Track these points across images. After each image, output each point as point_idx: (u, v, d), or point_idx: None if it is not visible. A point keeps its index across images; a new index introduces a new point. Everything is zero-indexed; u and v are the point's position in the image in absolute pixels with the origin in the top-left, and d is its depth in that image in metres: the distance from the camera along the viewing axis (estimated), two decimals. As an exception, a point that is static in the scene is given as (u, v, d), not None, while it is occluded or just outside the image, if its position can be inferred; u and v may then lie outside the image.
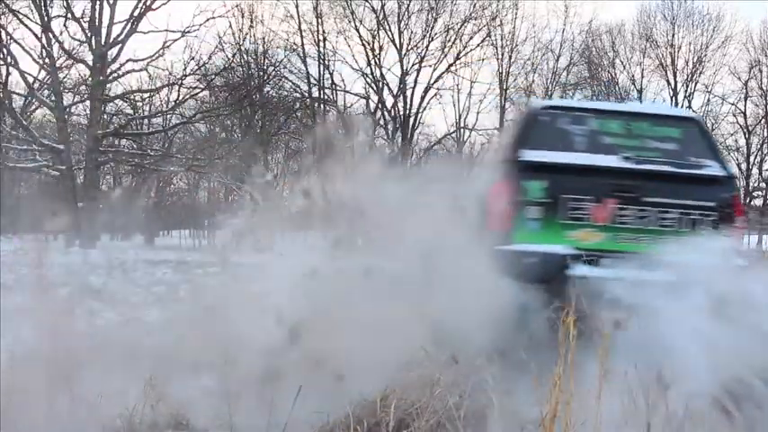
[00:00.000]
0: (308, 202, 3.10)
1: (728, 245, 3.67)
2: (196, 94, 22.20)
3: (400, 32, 24.99)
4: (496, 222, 3.76)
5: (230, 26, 23.57)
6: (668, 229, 3.80)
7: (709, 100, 26.65)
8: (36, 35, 19.21)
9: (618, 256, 3.69)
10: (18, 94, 21.56)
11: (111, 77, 20.27)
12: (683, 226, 3.81)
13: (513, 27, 26.06)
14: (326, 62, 24.47)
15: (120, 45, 19.88)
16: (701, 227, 3.81)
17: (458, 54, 25.22)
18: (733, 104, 26.37)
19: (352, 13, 24.59)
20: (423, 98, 25.31)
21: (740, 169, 25.34)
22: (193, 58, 21.05)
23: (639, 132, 4.06)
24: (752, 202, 25.99)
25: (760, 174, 26.54)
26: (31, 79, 20.23)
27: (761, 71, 25.62)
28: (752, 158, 26.08)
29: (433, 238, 3.09)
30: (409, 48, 25.06)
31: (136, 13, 19.65)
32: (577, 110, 4.21)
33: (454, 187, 3.58)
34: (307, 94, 24.62)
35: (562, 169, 3.83)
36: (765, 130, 26.37)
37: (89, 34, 19.51)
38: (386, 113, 25.08)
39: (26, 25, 19.12)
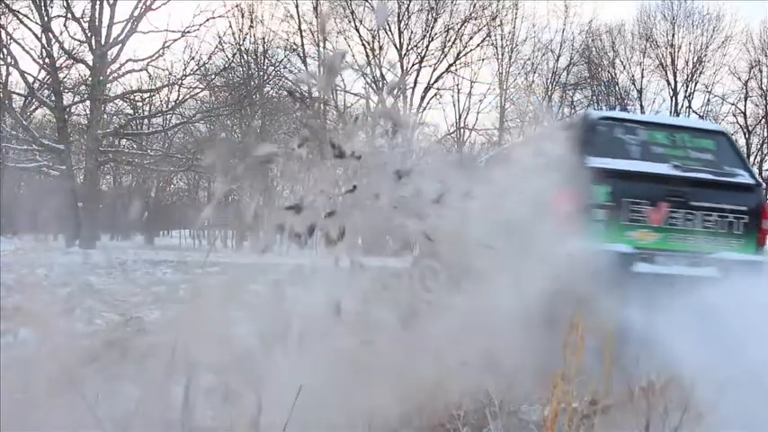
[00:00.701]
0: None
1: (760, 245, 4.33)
2: (196, 94, 22.24)
3: (400, 32, 25.02)
4: (564, 224, 3.93)
5: (230, 26, 23.65)
6: (709, 230, 4.30)
7: (709, 100, 26.69)
8: (36, 35, 19.24)
9: (669, 254, 4.17)
10: (18, 94, 21.56)
11: (111, 77, 20.29)
12: (721, 227, 4.32)
13: (513, 27, 26.14)
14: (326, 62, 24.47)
15: (120, 45, 19.92)
16: (735, 228, 4.34)
17: (458, 54, 25.28)
18: (733, 104, 26.41)
19: (352, 12, 24.63)
20: (423, 98, 25.35)
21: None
22: (193, 58, 21.11)
23: (682, 143, 4.52)
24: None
25: (760, 173, 26.52)
26: (31, 79, 20.24)
27: (761, 71, 25.66)
28: (752, 158, 26.08)
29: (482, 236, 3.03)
30: (409, 48, 25.10)
31: (136, 13, 19.69)
32: (628, 121, 4.62)
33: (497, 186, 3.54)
34: (307, 94, 24.62)
35: (623, 175, 4.21)
36: (765, 130, 26.41)
37: (89, 34, 19.51)
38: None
39: (26, 25, 19.15)
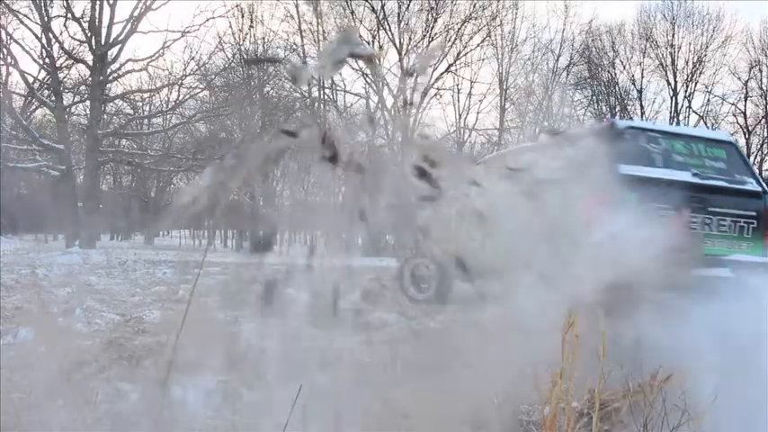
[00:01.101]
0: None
1: None
2: (196, 94, 22.24)
3: (400, 32, 25.03)
4: (595, 228, 4.07)
5: (230, 26, 23.69)
6: (723, 233, 4.61)
7: (709, 100, 26.67)
8: (36, 35, 19.24)
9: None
10: (18, 94, 21.56)
11: (111, 77, 20.28)
12: (734, 231, 4.64)
13: (513, 27, 26.15)
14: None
15: (120, 45, 19.91)
16: (745, 232, 4.67)
17: (458, 54, 25.28)
18: (733, 104, 26.39)
19: (352, 13, 24.64)
20: (423, 98, 25.34)
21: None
22: (193, 58, 21.13)
23: (698, 152, 4.82)
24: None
25: (760, 173, 26.49)
26: (30, 79, 20.25)
27: (761, 71, 25.63)
28: (752, 158, 26.05)
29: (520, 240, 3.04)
30: (409, 48, 25.11)
31: (136, 13, 19.68)
32: (650, 130, 4.86)
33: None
34: (307, 94, 24.64)
35: (650, 182, 4.39)
36: (765, 130, 26.40)
37: (89, 34, 19.51)
38: (386, 113, 25.12)
39: (26, 25, 19.15)
